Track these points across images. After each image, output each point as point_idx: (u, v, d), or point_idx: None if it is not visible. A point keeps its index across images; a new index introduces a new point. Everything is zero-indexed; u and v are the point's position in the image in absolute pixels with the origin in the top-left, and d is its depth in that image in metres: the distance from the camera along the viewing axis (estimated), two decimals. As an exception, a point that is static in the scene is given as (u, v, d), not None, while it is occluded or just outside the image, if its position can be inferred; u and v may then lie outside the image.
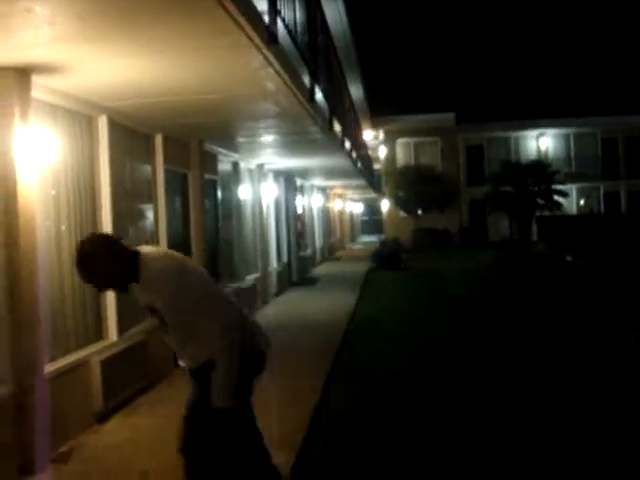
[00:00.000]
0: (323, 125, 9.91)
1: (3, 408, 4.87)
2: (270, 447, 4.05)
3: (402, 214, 36.75)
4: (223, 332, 3.57)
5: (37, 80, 5.28)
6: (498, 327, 11.12)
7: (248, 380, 3.83)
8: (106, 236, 3.77)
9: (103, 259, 3.48)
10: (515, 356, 8.83)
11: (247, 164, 13.50)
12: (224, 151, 11.43)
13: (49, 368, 5.19)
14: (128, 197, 7.48)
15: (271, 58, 5.48)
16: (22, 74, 5.07)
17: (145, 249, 3.72)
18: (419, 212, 35.80)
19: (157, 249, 4.38)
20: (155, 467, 4.98)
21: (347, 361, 8.79)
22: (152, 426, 5.97)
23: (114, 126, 6.96)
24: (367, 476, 5.04)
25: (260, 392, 6.74)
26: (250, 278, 13.13)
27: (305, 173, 19.19)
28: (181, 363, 3.94)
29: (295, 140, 10.83)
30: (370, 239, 43.94)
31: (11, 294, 4.99)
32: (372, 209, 55.66)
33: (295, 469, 4.99)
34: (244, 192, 13.19)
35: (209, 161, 10.51)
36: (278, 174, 16.66)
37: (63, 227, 6.03)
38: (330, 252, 29.50)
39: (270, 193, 15.39)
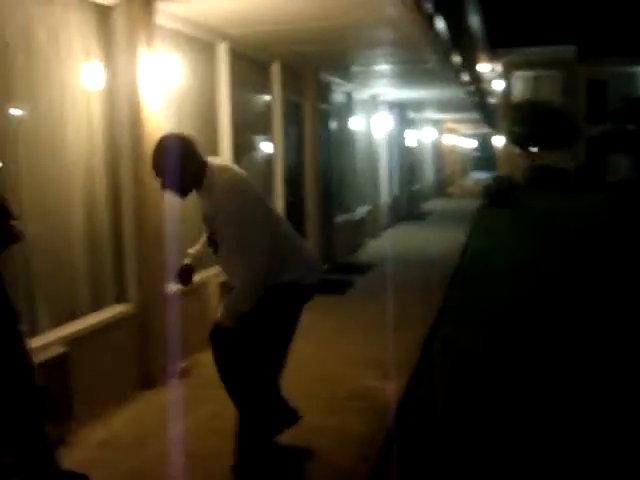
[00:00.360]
0: (441, 54, 9.63)
1: (129, 324, 5.12)
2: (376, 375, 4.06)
3: (516, 150, 35.62)
4: (255, 256, 3.57)
5: (161, 7, 5.34)
6: (610, 267, 10.73)
7: (294, 311, 3.91)
8: (185, 136, 3.75)
9: (177, 156, 3.52)
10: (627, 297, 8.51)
11: (360, 95, 13.35)
12: (338, 81, 11.32)
13: (172, 288, 5.38)
14: (246, 126, 7.56)
15: (393, -19, 5.32)
16: (147, 0, 5.14)
17: (214, 160, 3.77)
18: (534, 149, 34.60)
19: (225, 161, 4.43)
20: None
21: (458, 295, 8.72)
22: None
23: (233, 54, 7.00)
24: (468, 413, 5.02)
25: (374, 321, 6.90)
26: (361, 210, 13.14)
27: (418, 105, 18.80)
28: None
29: (411, 70, 10.58)
30: (482, 176, 42.94)
31: (138, 217, 5.18)
32: (485, 145, 54.24)
33: (404, 399, 5.03)
34: (357, 123, 13.08)
35: (323, 91, 10.45)
36: (391, 106, 16.39)
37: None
38: (441, 188, 29.06)
39: (382, 125, 15.20)
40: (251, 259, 3.56)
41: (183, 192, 3.65)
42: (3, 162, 4.07)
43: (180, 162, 3.51)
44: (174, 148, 3.54)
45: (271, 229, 3.71)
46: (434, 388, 5.35)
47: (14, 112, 4.27)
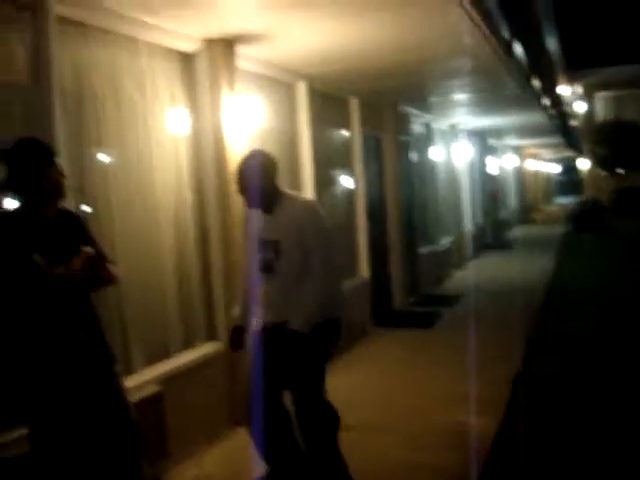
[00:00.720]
0: (521, 80, 9.51)
1: (219, 362, 5.17)
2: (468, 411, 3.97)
3: (601, 173, 34.65)
4: (336, 275, 3.78)
5: (241, 50, 5.48)
6: None
7: (327, 347, 3.87)
8: (269, 153, 3.89)
9: (265, 175, 3.66)
10: None
11: (439, 124, 13.30)
12: (417, 112, 11.32)
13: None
14: (327, 162, 7.63)
15: (471, 12, 5.31)
16: (228, 45, 5.29)
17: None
18: (620, 171, 33.56)
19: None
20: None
21: (547, 327, 8.46)
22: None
23: (312, 92, 7.10)
24: (564, 452, 4.83)
25: (462, 355, 6.76)
26: (445, 241, 13.00)
27: (498, 132, 18.59)
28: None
29: (490, 97, 10.49)
30: (566, 200, 41.89)
31: (225, 257, 5.27)
32: (568, 168, 52.93)
33: (496, 435, 4.89)
34: (437, 153, 13.02)
35: (402, 123, 10.45)
36: (471, 134, 16.26)
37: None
38: (525, 214, 28.50)
39: (463, 154, 15.07)
40: (332, 276, 3.72)
41: (266, 207, 3.73)
42: (96, 207, 4.22)
43: (266, 179, 3.67)
44: (264, 164, 3.72)
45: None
46: (527, 425, 5.17)
47: (105, 158, 4.44)
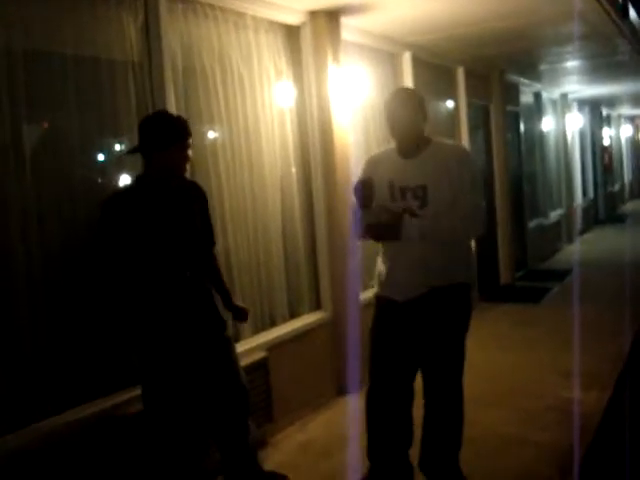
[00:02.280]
0: (636, 45, 9.05)
1: (324, 332, 5.26)
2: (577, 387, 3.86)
3: None
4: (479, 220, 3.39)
5: (345, 21, 5.47)
6: None
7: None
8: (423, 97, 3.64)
9: (417, 109, 3.40)
10: None
11: (550, 94, 12.86)
12: (526, 81, 10.99)
13: (363, 296, 5.47)
14: (433, 132, 7.49)
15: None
16: (332, 16, 5.29)
17: None
18: None
19: None
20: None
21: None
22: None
23: (417, 62, 7.01)
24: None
25: (572, 331, 6.59)
26: (554, 214, 12.63)
27: (612, 101, 17.78)
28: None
29: (603, 64, 10.03)
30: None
31: (330, 227, 5.34)
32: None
33: (607, 408, 4.76)
34: (547, 124, 12.61)
35: (510, 92, 10.18)
36: (582, 103, 15.65)
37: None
38: (640, 187, 27.23)
39: (574, 124, 14.54)
40: (478, 229, 3.40)
41: (410, 150, 3.40)
42: (207, 180, 4.35)
43: (416, 113, 3.39)
44: (414, 97, 3.49)
45: None
46: (638, 403, 5.00)
47: (214, 132, 4.56)
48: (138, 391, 3.36)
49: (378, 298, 3.57)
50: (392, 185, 3.36)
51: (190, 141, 3.23)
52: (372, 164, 3.58)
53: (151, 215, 3.11)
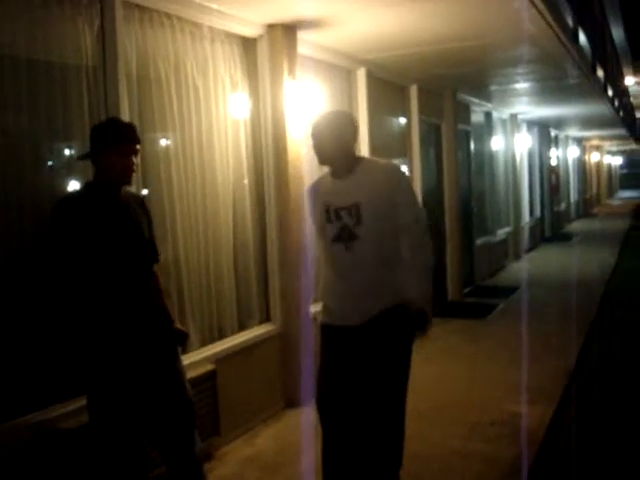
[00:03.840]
0: (585, 69, 9.32)
1: (273, 344, 5.25)
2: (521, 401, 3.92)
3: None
4: (429, 239, 3.34)
5: (302, 35, 5.50)
6: None
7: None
8: (354, 118, 3.60)
9: (344, 130, 3.33)
10: None
11: (500, 114, 13.13)
12: (477, 101, 11.20)
13: (314, 309, 5.47)
14: (385, 150, 7.61)
15: (534, -2, 5.23)
16: (289, 30, 5.32)
17: None
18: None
19: None
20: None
21: (607, 321, 8.31)
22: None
23: (372, 78, 7.08)
24: (618, 444, 4.75)
25: (517, 346, 6.70)
26: (502, 232, 12.86)
27: (560, 123, 18.24)
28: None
29: (553, 86, 10.29)
30: (630, 194, 40.92)
31: (281, 240, 5.34)
32: (633, 162, 51.70)
33: (552, 422, 4.85)
34: (497, 143, 12.87)
35: (462, 111, 10.36)
36: (532, 124, 16.01)
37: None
38: (586, 208, 27.91)
39: (523, 144, 14.86)
40: (426, 241, 3.33)
41: (341, 171, 3.37)
42: (158, 189, 4.31)
43: (345, 136, 3.36)
44: (343, 120, 3.42)
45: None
46: (582, 417, 5.12)
47: (167, 141, 4.52)
48: (82, 402, 3.30)
49: (323, 326, 3.51)
50: (328, 207, 3.36)
51: (136, 147, 3.17)
52: (313, 192, 3.57)
53: (98, 223, 3.05)
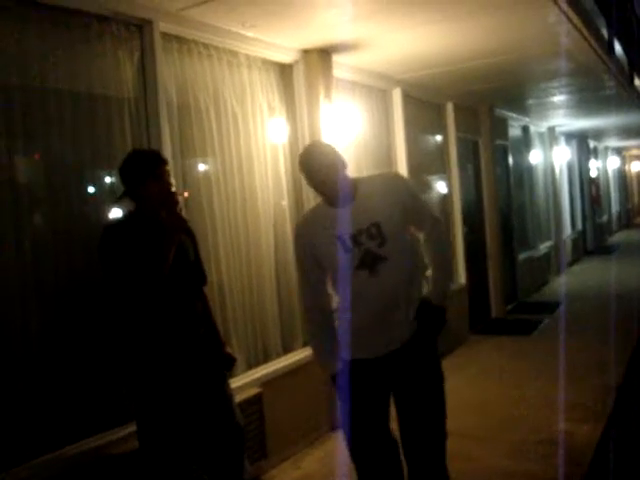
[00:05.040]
0: (622, 80, 9.21)
1: (317, 367, 5.24)
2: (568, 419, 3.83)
3: None
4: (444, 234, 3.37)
5: (337, 59, 5.56)
6: None
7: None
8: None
9: (339, 157, 3.15)
10: None
11: (537, 127, 13.03)
12: (514, 115, 11.14)
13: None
14: (423, 168, 7.62)
15: (569, 12, 5.20)
16: (324, 54, 5.38)
17: None
18: None
19: None
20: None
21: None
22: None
23: (407, 98, 7.11)
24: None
25: (563, 363, 6.61)
26: (543, 246, 12.71)
27: (599, 134, 18.02)
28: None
29: (590, 98, 10.20)
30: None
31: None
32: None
33: (601, 441, 4.76)
34: (535, 157, 12.75)
35: (499, 126, 10.31)
36: (570, 136, 15.85)
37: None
38: (628, 218, 27.46)
39: (562, 157, 14.71)
40: (445, 236, 3.35)
41: (344, 200, 3.13)
42: (200, 214, 4.38)
43: (340, 160, 3.16)
44: (330, 146, 3.24)
45: None
46: (632, 433, 5.02)
47: (208, 168, 4.60)
48: (132, 428, 3.35)
49: (353, 361, 3.22)
50: (342, 238, 3.09)
51: (166, 168, 3.23)
52: (306, 230, 3.28)
53: (144, 247, 3.10)
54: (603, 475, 4.32)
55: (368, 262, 3.07)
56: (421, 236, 3.28)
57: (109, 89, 3.85)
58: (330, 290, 3.27)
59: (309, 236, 3.21)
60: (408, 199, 3.18)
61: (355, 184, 3.18)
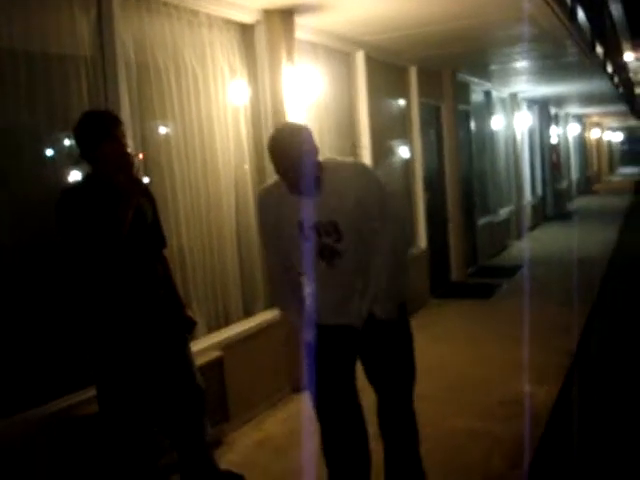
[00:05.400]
0: (584, 47, 9.27)
1: (278, 330, 5.24)
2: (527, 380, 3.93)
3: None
4: (400, 237, 3.21)
5: (299, 20, 5.48)
6: None
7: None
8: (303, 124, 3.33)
9: (312, 144, 3.03)
10: None
11: (499, 93, 13.08)
12: (476, 80, 11.16)
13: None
14: (385, 132, 7.60)
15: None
16: (286, 15, 5.29)
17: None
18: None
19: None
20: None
21: (611, 298, 8.32)
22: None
23: (370, 61, 7.06)
24: (625, 421, 4.77)
25: (522, 325, 6.72)
26: (504, 211, 12.85)
27: (560, 101, 18.17)
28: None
29: (552, 65, 10.25)
30: (631, 171, 40.80)
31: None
32: (633, 137, 51.53)
33: (556, 405, 4.87)
34: (497, 122, 12.82)
35: (462, 92, 10.32)
36: (532, 103, 15.95)
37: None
38: (587, 185, 27.84)
39: (523, 123, 14.80)
40: (405, 234, 3.27)
41: (314, 189, 3.03)
42: (160, 177, 4.32)
43: (311, 155, 3.01)
44: (304, 129, 3.10)
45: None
46: (588, 394, 5.14)
47: (167, 129, 4.52)
48: (94, 392, 3.33)
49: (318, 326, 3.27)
50: (302, 226, 3.09)
51: (121, 129, 3.17)
52: (268, 202, 3.23)
53: (101, 212, 3.06)
54: (559, 435, 4.43)
55: (326, 255, 3.12)
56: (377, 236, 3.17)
57: (65, 47, 3.75)
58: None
59: (273, 209, 3.17)
60: (368, 196, 3.08)
61: (322, 174, 3.05)
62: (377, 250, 3.13)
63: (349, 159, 3.53)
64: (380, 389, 3.35)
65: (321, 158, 3.12)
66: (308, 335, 3.26)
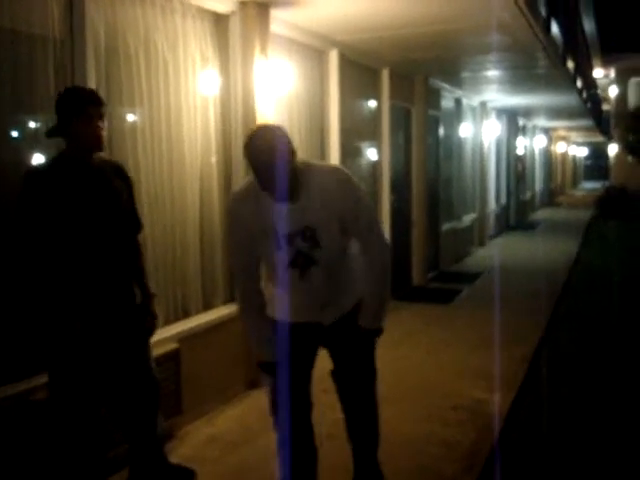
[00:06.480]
0: (556, 60, 9.37)
1: (236, 325, 5.19)
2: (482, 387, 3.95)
3: (630, 159, 34.13)
4: (384, 248, 3.21)
5: (275, 14, 5.44)
6: None
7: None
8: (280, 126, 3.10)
9: (290, 147, 2.85)
10: None
11: (470, 101, 13.18)
12: (447, 87, 11.22)
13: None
14: (354, 132, 7.60)
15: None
16: (263, 8, 5.25)
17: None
18: (650, 158, 33.01)
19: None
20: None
21: (568, 308, 8.43)
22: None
23: (344, 60, 7.05)
24: (577, 429, 4.83)
25: (480, 332, 6.77)
26: (467, 218, 12.95)
27: (529, 112, 18.38)
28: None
29: (523, 75, 10.35)
30: (593, 185, 41.48)
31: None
32: (596, 153, 52.35)
33: (510, 411, 4.90)
34: (465, 130, 12.91)
35: (432, 97, 10.37)
36: (501, 112, 16.10)
37: (294, 158, 6.26)
38: (550, 197, 28.25)
39: (492, 132, 14.94)
40: (385, 242, 3.20)
41: (291, 195, 2.90)
42: (124, 163, 4.23)
43: (289, 161, 2.84)
44: (282, 132, 2.90)
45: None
46: (542, 402, 5.19)
47: (135, 116, 4.45)
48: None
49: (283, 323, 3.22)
50: (275, 232, 2.97)
51: (101, 110, 3.10)
52: (241, 210, 3.02)
53: (70, 192, 2.98)
54: (512, 441, 4.46)
55: (299, 263, 3.03)
56: (357, 245, 3.17)
57: (33, 27, 3.66)
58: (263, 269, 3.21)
59: (246, 217, 3.00)
60: (347, 203, 3.00)
61: (299, 179, 2.91)
62: (369, 263, 3.15)
63: (328, 164, 3.46)
64: (347, 388, 3.38)
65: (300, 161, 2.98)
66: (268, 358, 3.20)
